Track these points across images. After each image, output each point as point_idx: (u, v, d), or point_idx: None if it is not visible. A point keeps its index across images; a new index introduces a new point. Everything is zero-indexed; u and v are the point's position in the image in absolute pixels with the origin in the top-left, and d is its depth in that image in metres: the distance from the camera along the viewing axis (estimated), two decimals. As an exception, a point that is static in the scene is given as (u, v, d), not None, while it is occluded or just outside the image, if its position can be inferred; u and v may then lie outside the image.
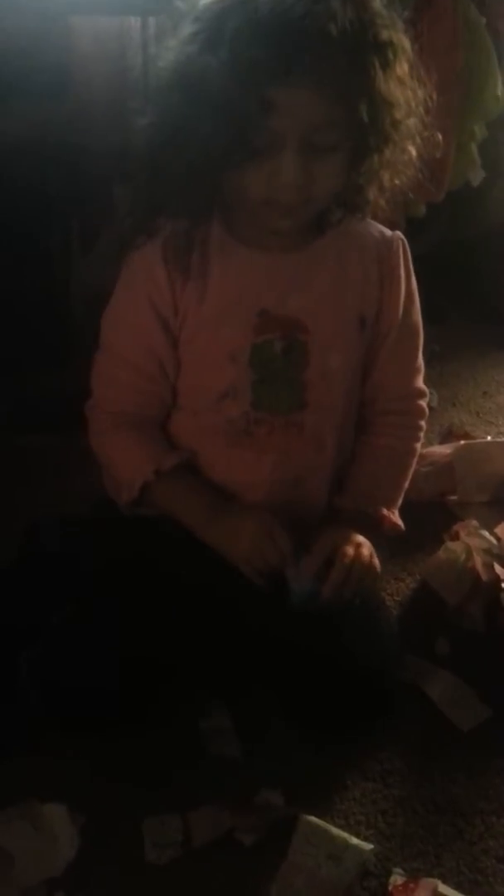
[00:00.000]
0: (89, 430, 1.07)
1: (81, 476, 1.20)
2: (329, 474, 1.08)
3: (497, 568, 1.24)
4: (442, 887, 0.89)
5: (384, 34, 0.85)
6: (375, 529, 1.05)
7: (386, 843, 0.95)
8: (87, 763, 0.98)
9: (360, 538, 1.00)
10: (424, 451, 1.27)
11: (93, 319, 1.06)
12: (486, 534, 1.33)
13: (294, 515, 1.02)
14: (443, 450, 1.52)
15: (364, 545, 1.00)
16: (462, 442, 1.55)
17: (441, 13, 1.52)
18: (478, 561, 1.26)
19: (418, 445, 1.14)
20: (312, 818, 0.93)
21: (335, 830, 0.93)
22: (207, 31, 0.84)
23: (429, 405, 1.15)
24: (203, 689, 1.06)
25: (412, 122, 0.92)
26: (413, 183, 0.98)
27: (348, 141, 0.88)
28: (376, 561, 1.00)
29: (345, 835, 0.92)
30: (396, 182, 0.97)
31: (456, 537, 1.34)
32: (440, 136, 0.99)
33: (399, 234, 1.06)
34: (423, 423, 1.14)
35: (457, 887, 0.90)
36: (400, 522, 1.09)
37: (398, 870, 0.91)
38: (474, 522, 1.36)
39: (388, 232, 1.05)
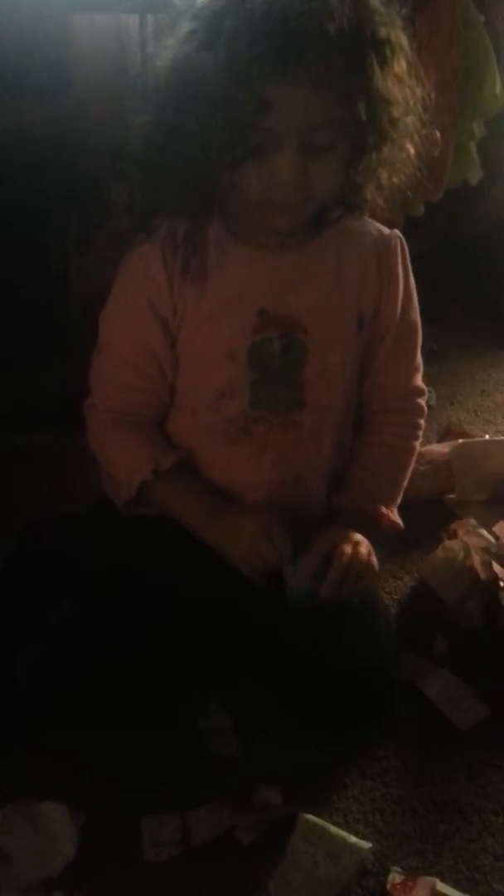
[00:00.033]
0: (88, 429, 1.07)
1: (81, 475, 1.20)
2: (328, 473, 1.08)
3: (495, 566, 1.24)
4: (440, 885, 0.89)
5: (382, 32, 0.85)
6: (374, 528, 1.05)
7: (384, 842, 0.95)
8: (86, 763, 0.97)
9: (359, 537, 1.00)
10: (422, 449, 1.27)
11: (91, 318, 1.05)
12: (485, 532, 1.33)
13: (293, 515, 1.02)
14: (441, 448, 1.52)
15: (362, 544, 1.00)
16: (460, 440, 1.55)
17: (440, 11, 1.52)
18: (476, 559, 1.26)
19: (417, 444, 1.14)
20: (311, 817, 0.93)
21: (334, 829, 0.93)
22: (205, 30, 0.84)
23: (427, 404, 1.15)
24: (202, 689, 1.06)
25: (410, 120, 0.92)
26: (411, 181, 0.98)
27: (346, 139, 0.88)
28: (374, 560, 1.00)
29: (343, 833, 0.92)
30: (395, 180, 0.97)
31: (454, 536, 1.34)
32: (438, 135, 0.99)
33: (397, 232, 1.06)
34: (422, 421, 1.14)
35: (455, 885, 0.90)
36: (399, 521, 1.09)
37: (396, 868, 0.91)
38: (472, 521, 1.36)
39: (386, 230, 1.05)
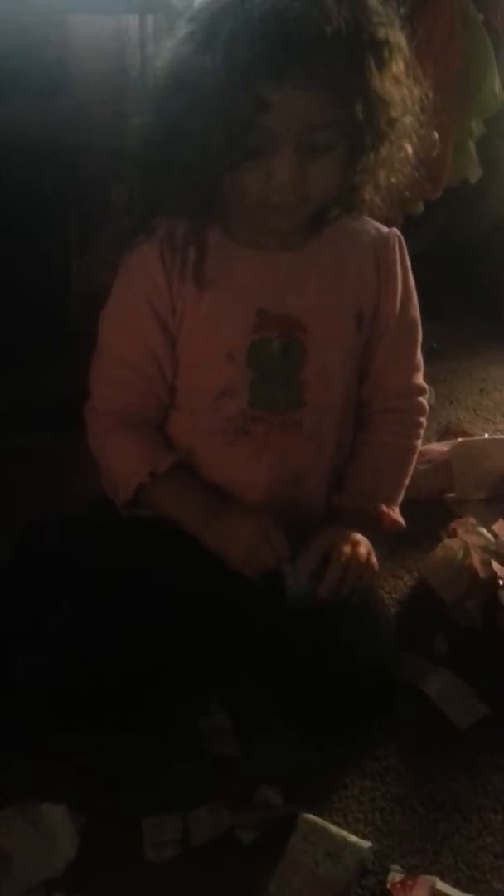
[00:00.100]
0: (88, 432, 1.07)
1: (80, 476, 1.20)
2: (328, 473, 1.08)
3: (495, 565, 1.25)
4: (440, 884, 0.89)
5: (380, 32, 0.85)
6: (375, 527, 1.05)
7: (384, 841, 0.95)
8: (86, 763, 0.98)
9: (358, 536, 1.00)
10: (422, 448, 1.27)
11: (91, 319, 1.05)
12: (484, 531, 1.33)
13: (293, 515, 1.02)
14: (440, 447, 1.52)
15: (361, 543, 1.00)
16: (460, 439, 1.55)
17: (438, 10, 1.52)
18: (476, 558, 1.26)
19: (418, 442, 1.14)
20: (311, 816, 0.93)
21: (334, 828, 0.93)
22: (203, 32, 0.84)
23: (427, 402, 1.15)
24: (202, 689, 1.06)
25: (408, 120, 0.92)
26: (410, 181, 0.98)
27: (344, 140, 0.88)
28: (374, 559, 1.00)
29: (343, 833, 0.93)
30: (393, 180, 0.97)
31: (454, 535, 1.34)
32: (436, 134, 0.99)
33: (395, 230, 1.06)
34: (423, 420, 1.13)
35: (455, 884, 0.91)
36: (401, 520, 1.09)
37: (396, 867, 0.92)
38: (472, 520, 1.36)
39: (384, 229, 1.05)
